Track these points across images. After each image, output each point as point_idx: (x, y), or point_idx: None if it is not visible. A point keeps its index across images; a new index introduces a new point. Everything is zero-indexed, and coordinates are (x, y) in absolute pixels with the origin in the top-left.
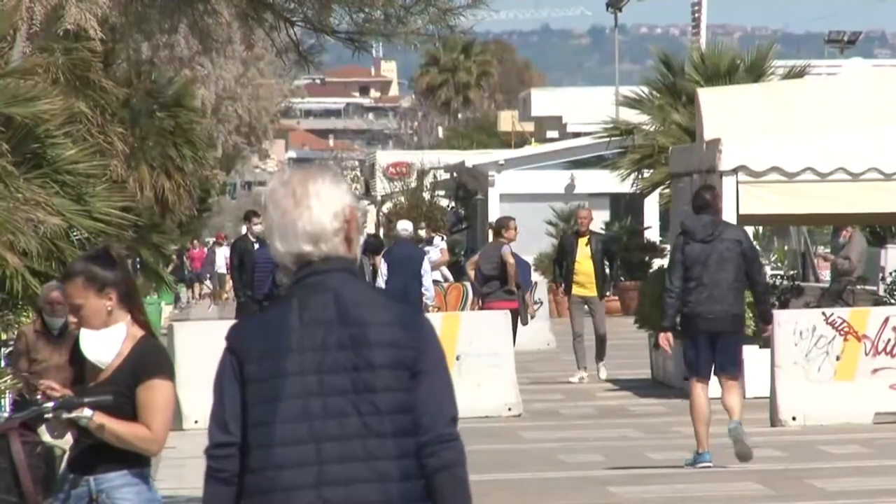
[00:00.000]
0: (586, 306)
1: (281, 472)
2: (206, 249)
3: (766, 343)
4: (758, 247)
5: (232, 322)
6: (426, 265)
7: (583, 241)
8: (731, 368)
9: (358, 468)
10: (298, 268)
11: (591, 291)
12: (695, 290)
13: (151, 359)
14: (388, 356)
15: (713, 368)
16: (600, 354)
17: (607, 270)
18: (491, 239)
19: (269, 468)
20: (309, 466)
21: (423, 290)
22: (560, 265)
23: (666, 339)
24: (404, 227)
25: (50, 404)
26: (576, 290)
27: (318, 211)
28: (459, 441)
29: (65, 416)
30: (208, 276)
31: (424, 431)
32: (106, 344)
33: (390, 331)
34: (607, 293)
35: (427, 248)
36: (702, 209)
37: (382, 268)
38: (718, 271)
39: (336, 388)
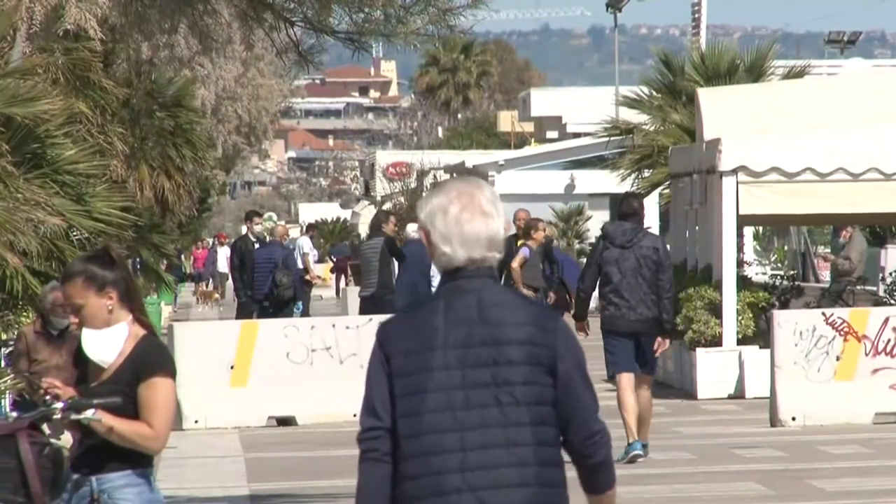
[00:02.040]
0: None
1: (429, 459)
2: (208, 250)
3: (766, 343)
4: (757, 247)
5: (231, 321)
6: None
7: (520, 243)
8: (649, 367)
9: (498, 454)
10: (449, 272)
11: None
12: (614, 293)
13: (153, 357)
14: (524, 353)
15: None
16: None
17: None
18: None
19: (418, 455)
20: (454, 453)
21: (431, 288)
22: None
23: (581, 328)
24: (414, 228)
25: (58, 405)
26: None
27: (497, 220)
28: (607, 432)
29: (73, 417)
30: (210, 276)
31: (578, 430)
32: (108, 343)
33: (526, 330)
34: (549, 296)
35: None
36: (627, 216)
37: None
38: (635, 276)
39: (477, 381)
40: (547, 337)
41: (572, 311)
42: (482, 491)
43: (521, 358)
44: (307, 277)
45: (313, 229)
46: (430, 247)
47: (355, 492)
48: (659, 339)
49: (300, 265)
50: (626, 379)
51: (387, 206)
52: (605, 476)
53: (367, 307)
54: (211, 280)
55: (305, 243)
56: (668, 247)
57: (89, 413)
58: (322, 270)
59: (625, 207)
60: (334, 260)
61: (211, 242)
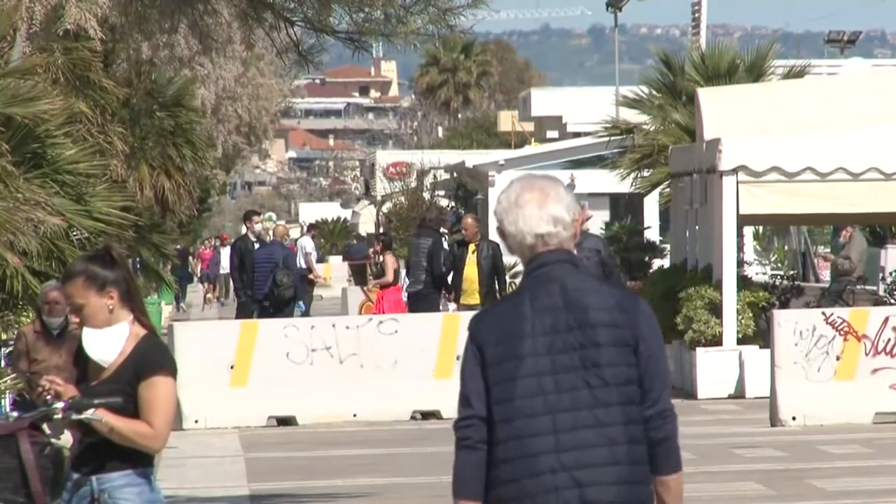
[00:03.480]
0: None
1: (523, 442)
2: (213, 250)
3: (766, 343)
4: (757, 247)
5: (231, 321)
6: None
7: (471, 248)
8: None
9: (589, 434)
10: (529, 260)
11: (475, 299)
12: None
13: (154, 356)
14: (610, 335)
15: None
16: None
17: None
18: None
19: (512, 439)
20: (547, 435)
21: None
22: (451, 272)
23: None
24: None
25: (60, 405)
26: (462, 298)
27: (558, 204)
28: (675, 415)
29: (74, 416)
30: (214, 277)
31: (651, 405)
32: (109, 343)
33: (610, 313)
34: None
35: None
36: None
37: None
38: None
39: (566, 365)
40: (629, 318)
41: None
42: (575, 470)
43: (607, 340)
44: (310, 276)
45: (314, 229)
46: (505, 238)
47: (452, 477)
48: None
49: (303, 265)
50: None
51: (387, 206)
52: (667, 456)
53: (414, 303)
54: (214, 281)
55: (308, 243)
56: (610, 248)
57: (90, 412)
58: (323, 270)
59: None
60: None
61: (215, 243)
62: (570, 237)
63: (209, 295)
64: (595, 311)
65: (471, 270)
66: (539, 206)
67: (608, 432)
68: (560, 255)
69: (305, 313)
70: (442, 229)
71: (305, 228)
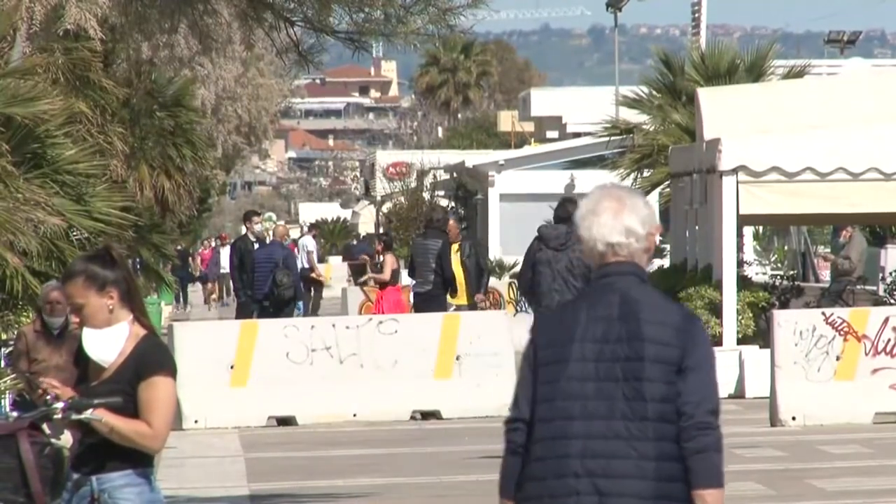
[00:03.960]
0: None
1: (556, 442)
2: (212, 250)
3: (766, 343)
4: (757, 247)
5: (231, 321)
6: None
7: (454, 248)
8: None
9: (619, 445)
10: (598, 268)
11: (462, 300)
12: (547, 294)
13: (154, 356)
14: (656, 351)
15: None
16: None
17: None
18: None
19: (547, 438)
20: (577, 439)
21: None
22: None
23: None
24: None
25: (59, 405)
26: (448, 298)
27: (633, 216)
28: (718, 431)
29: (73, 416)
30: (215, 277)
31: (686, 418)
32: (109, 343)
33: (662, 330)
34: (481, 301)
35: None
36: (562, 219)
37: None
38: (568, 277)
39: (609, 374)
40: (680, 338)
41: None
42: (599, 478)
43: (651, 356)
44: (313, 276)
45: (316, 229)
46: (583, 244)
47: (499, 475)
48: None
49: (305, 264)
50: None
51: (387, 206)
52: (702, 469)
53: (421, 303)
54: (215, 280)
55: (310, 243)
56: None
57: (89, 412)
58: (323, 270)
59: (560, 212)
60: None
61: (214, 243)
62: (641, 249)
63: (213, 295)
64: (647, 325)
65: (457, 271)
66: (614, 215)
67: (638, 446)
68: (627, 267)
69: (305, 313)
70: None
71: (306, 228)
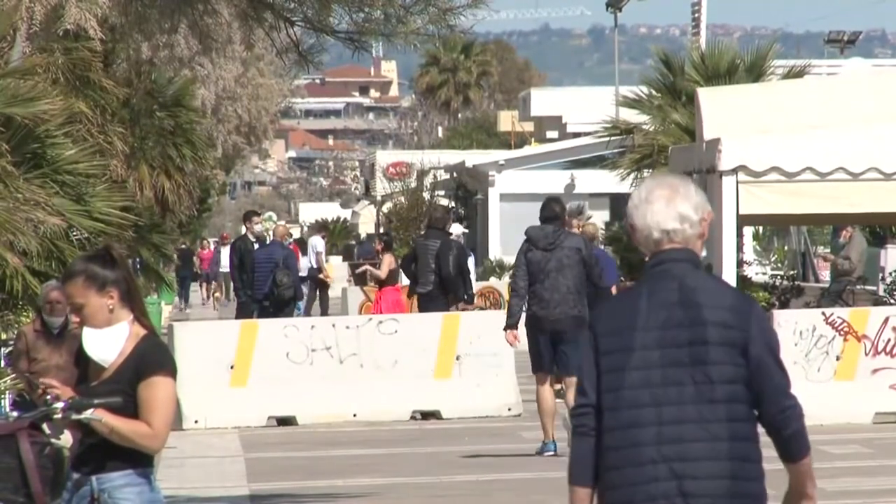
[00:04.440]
0: None
1: (628, 431)
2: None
3: None
4: (757, 247)
5: (231, 321)
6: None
7: None
8: (572, 368)
9: (692, 429)
10: (652, 255)
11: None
12: (537, 293)
13: (153, 356)
14: (719, 334)
15: (556, 367)
16: None
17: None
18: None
19: (618, 428)
20: (650, 427)
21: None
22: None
23: (512, 335)
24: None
25: (59, 405)
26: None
27: (686, 203)
28: (798, 406)
29: (73, 416)
30: (214, 277)
31: (770, 406)
32: (109, 343)
33: (722, 313)
34: (465, 300)
35: None
36: (548, 220)
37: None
38: (558, 277)
39: (674, 360)
40: (741, 319)
41: (507, 320)
42: (675, 462)
43: (716, 339)
44: (321, 277)
45: (325, 230)
46: (633, 233)
47: (568, 463)
48: None
49: (314, 264)
50: (543, 378)
51: (387, 206)
52: (797, 446)
53: (422, 304)
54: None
55: (319, 243)
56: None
57: (89, 413)
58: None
59: (546, 212)
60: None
61: (213, 245)
62: (695, 235)
63: (217, 294)
64: (708, 309)
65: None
66: (668, 202)
67: (710, 428)
68: (682, 253)
69: (307, 313)
70: (448, 228)
71: (308, 228)
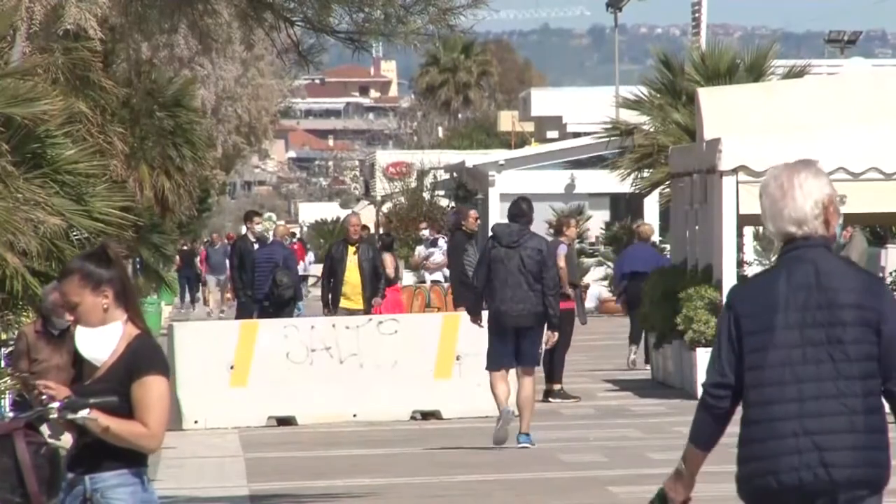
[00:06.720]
0: None
1: (771, 407)
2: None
3: None
4: (757, 247)
5: (231, 321)
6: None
7: (351, 249)
8: (529, 362)
9: (831, 404)
10: (785, 243)
11: (357, 304)
12: (500, 289)
13: (145, 356)
14: (855, 315)
15: (514, 360)
16: None
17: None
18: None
19: (761, 403)
20: (792, 402)
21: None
22: (329, 276)
23: (476, 321)
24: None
25: (55, 405)
26: (343, 302)
27: (801, 200)
28: None
29: (69, 416)
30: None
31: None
32: (102, 341)
33: (856, 295)
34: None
35: (431, 250)
36: (516, 217)
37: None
38: (519, 274)
39: (814, 340)
40: (874, 300)
41: (470, 313)
42: (817, 435)
43: (852, 320)
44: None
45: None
46: (764, 220)
47: (692, 425)
48: (548, 332)
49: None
50: (499, 375)
51: (387, 206)
52: None
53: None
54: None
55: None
56: (561, 248)
57: (84, 412)
58: (319, 271)
59: (513, 209)
60: None
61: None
62: (824, 220)
63: (227, 294)
64: (843, 292)
65: (352, 275)
66: (781, 208)
67: (848, 402)
68: (815, 239)
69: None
70: (464, 224)
71: (309, 228)
